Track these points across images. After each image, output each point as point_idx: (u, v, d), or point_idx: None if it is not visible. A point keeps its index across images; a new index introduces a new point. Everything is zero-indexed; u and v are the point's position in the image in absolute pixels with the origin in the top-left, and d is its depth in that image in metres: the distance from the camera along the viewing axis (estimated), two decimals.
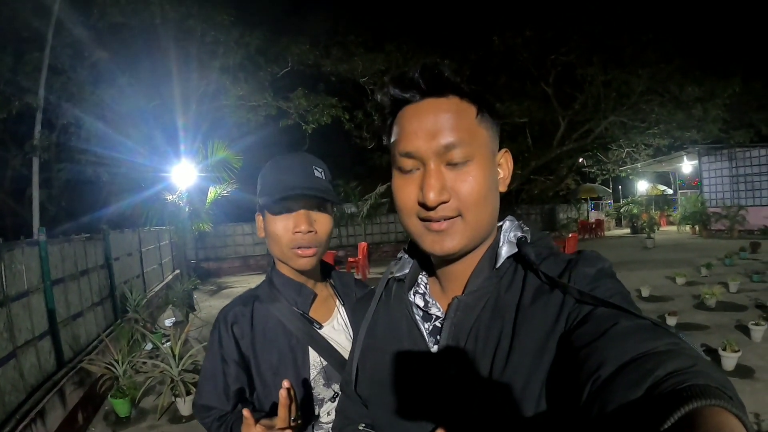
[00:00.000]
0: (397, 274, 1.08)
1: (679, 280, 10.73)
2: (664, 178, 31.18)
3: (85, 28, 10.67)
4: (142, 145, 11.32)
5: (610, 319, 0.70)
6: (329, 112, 15.10)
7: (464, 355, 0.88)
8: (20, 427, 4.13)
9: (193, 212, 11.31)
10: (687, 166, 24.33)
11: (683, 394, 0.49)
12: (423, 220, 0.88)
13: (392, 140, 0.92)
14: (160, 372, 5.81)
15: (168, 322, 9.58)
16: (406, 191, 0.89)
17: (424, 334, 0.97)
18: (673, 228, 24.45)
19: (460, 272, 0.95)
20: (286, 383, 1.12)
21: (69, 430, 4.95)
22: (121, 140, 11.04)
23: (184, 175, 10.85)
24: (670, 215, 26.74)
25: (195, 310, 10.53)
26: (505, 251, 0.91)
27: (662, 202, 29.48)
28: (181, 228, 11.59)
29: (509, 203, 25.47)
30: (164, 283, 13.22)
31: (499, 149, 0.95)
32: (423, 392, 0.92)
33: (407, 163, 0.88)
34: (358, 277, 13.68)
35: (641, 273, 12.26)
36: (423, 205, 0.85)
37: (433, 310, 0.99)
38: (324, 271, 1.65)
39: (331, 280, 1.66)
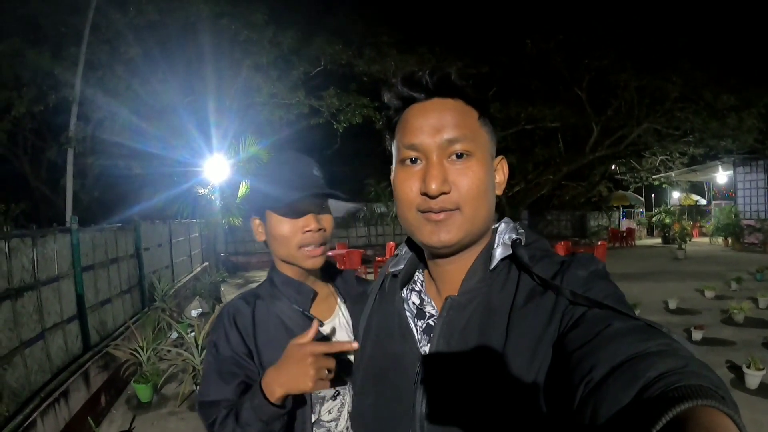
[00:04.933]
0: (392, 270, 1.10)
1: (708, 294, 10.42)
2: (698, 188, 30.50)
3: (121, 25, 10.92)
4: (176, 140, 11.49)
5: (603, 320, 0.71)
6: (361, 111, 15.03)
7: (455, 355, 0.89)
8: (44, 405, 4.27)
9: (224, 206, 11.43)
10: (722, 176, 23.65)
11: (674, 394, 0.49)
12: (423, 212, 0.90)
13: (396, 136, 0.96)
14: (183, 360, 5.92)
15: (194, 313, 9.72)
16: (407, 183, 0.91)
17: (414, 332, 0.99)
18: (706, 239, 23.89)
19: (455, 273, 0.96)
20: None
21: (91, 411, 5.09)
22: (155, 135, 11.22)
23: (216, 170, 10.98)
24: (703, 226, 26.14)
25: (221, 302, 10.67)
26: (499, 253, 0.93)
27: (695, 213, 28.84)
28: (212, 221, 11.73)
29: (540, 208, 25.25)
30: (193, 274, 13.47)
31: (510, 156, 0.98)
32: (410, 390, 0.93)
33: (410, 154, 0.91)
34: (372, 279, 13.58)
35: (670, 284, 11.98)
36: (426, 195, 0.88)
37: (428, 308, 1.01)
38: (324, 268, 1.61)
39: (332, 278, 1.65)
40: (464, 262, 0.95)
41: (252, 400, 1.23)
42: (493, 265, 0.92)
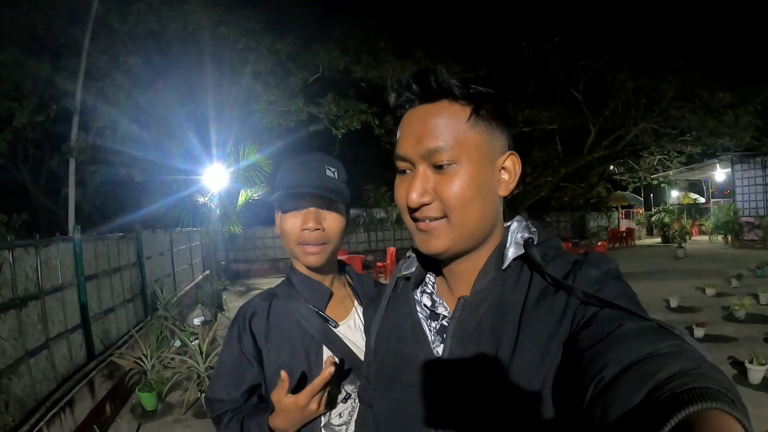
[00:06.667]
0: (404, 272, 1.09)
1: (709, 291, 10.46)
2: (696, 187, 30.54)
3: (121, 34, 10.97)
4: (175, 148, 11.53)
5: (615, 320, 0.70)
6: (359, 117, 15.06)
7: (468, 355, 0.88)
8: (49, 415, 4.29)
9: (223, 214, 11.46)
10: (720, 174, 23.69)
11: (684, 397, 0.49)
12: (414, 219, 0.91)
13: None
14: (188, 368, 5.91)
15: (197, 321, 9.73)
16: (400, 191, 0.93)
17: (427, 333, 0.98)
18: (705, 238, 23.90)
19: (467, 272, 0.95)
20: (332, 359, 1.23)
21: (96, 420, 5.09)
22: (155, 143, 11.27)
23: (215, 178, 11.01)
24: (702, 224, 26.15)
25: (223, 310, 10.69)
26: (512, 252, 0.91)
27: (694, 211, 28.81)
28: (212, 230, 11.77)
29: (539, 210, 25.25)
30: (194, 282, 13.43)
31: (517, 153, 0.96)
32: (424, 392, 0.93)
33: (401, 165, 0.93)
34: (386, 282, 13.64)
35: (671, 283, 12.01)
36: (408, 206, 0.89)
37: (440, 310, 0.99)
38: (343, 271, 1.65)
39: (350, 281, 1.65)
40: (476, 262, 0.94)
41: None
42: (506, 264, 0.91)
